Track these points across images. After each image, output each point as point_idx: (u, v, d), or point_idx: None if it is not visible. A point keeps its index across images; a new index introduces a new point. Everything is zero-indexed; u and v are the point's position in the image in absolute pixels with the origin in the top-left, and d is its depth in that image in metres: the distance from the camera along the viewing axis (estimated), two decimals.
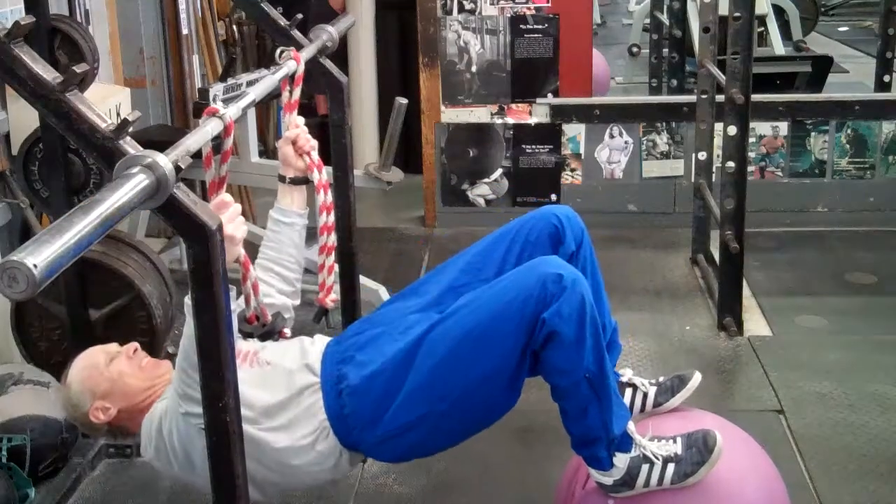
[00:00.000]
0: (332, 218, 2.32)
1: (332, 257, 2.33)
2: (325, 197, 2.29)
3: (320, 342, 2.18)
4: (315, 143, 2.29)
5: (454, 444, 2.12)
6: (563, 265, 1.93)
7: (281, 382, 2.06)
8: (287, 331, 1.98)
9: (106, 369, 2.11)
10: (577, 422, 1.97)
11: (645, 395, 2.17)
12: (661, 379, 2.22)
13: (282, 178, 2.30)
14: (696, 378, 2.19)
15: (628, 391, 2.16)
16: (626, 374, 2.19)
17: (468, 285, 2.12)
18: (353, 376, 2.03)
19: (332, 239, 2.32)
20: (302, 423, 2.03)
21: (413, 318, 2.11)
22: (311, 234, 2.34)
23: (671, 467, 1.96)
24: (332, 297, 2.35)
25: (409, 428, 1.99)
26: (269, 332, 1.96)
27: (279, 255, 2.27)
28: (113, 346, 2.19)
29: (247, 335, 1.97)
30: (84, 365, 2.15)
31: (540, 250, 2.11)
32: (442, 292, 2.16)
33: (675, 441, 1.99)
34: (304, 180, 2.28)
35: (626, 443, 1.97)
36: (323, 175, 2.28)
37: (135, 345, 2.20)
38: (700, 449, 1.96)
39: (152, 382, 2.11)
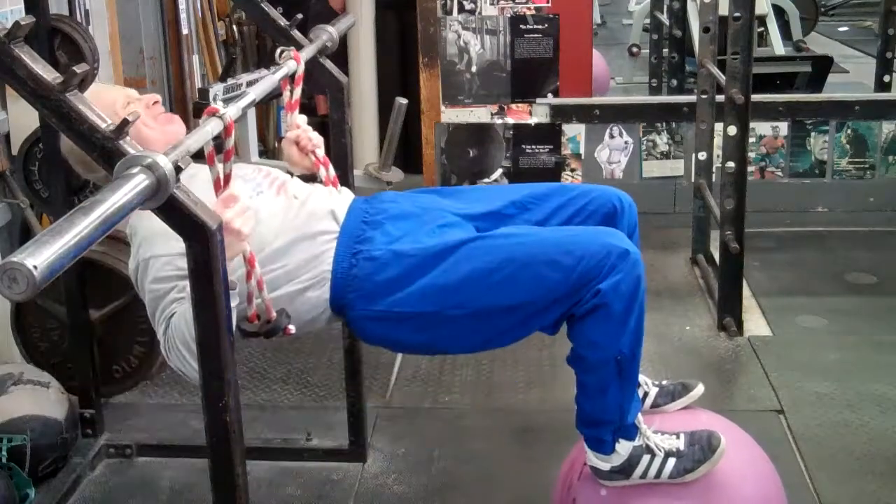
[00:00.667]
0: None
1: None
2: (342, 189, 2.29)
3: (347, 194, 2.16)
4: (320, 140, 2.29)
5: (434, 353, 2.08)
6: (630, 243, 1.92)
7: (301, 220, 2.03)
8: (291, 328, 1.97)
9: (122, 109, 2.04)
10: (593, 399, 1.96)
11: (646, 394, 2.17)
12: (664, 382, 2.22)
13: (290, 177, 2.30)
14: (699, 389, 2.20)
15: None
16: None
17: (513, 218, 2.09)
18: (378, 244, 1.99)
19: None
20: (303, 268, 1.99)
21: (452, 217, 2.07)
22: None
23: (671, 462, 1.96)
24: None
25: (408, 317, 1.95)
26: (273, 329, 1.95)
27: None
28: (133, 91, 2.13)
29: (250, 334, 1.96)
30: (99, 101, 2.05)
31: (592, 222, 2.09)
32: (486, 213, 2.12)
33: (678, 437, 2.00)
34: (311, 178, 2.29)
35: (632, 431, 1.97)
36: (330, 171, 2.28)
37: (156, 96, 2.15)
38: (703, 447, 1.96)
39: (165, 137, 2.03)
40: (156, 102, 2.14)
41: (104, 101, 2.04)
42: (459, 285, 1.91)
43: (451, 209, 2.12)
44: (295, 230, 2.02)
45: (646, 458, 1.97)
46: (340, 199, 2.13)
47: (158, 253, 1.89)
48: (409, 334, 1.99)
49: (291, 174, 2.29)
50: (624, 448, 1.97)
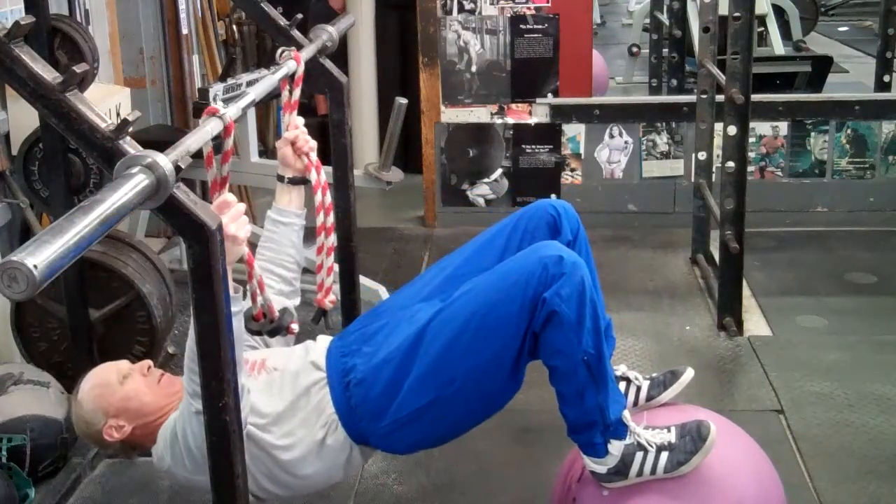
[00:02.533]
0: (330, 219, 2.32)
1: (331, 258, 2.33)
2: (324, 198, 2.29)
3: (323, 341, 2.20)
4: (314, 143, 2.30)
5: (461, 432, 2.13)
6: (563, 248, 1.96)
7: (288, 385, 2.08)
8: (294, 326, 1.99)
9: (119, 388, 2.09)
10: (573, 406, 1.98)
11: (638, 389, 2.18)
12: (654, 374, 2.23)
13: (280, 178, 2.31)
14: (689, 373, 2.20)
15: (622, 384, 2.16)
16: (621, 369, 2.20)
17: (469, 275, 2.13)
18: (360, 367, 2.04)
19: (331, 240, 2.32)
20: (311, 421, 2.05)
21: (417, 307, 2.12)
22: (312, 234, 2.34)
23: (664, 455, 1.97)
24: (331, 299, 2.35)
25: (416, 416, 2.00)
26: (276, 328, 1.96)
27: (277, 256, 2.29)
28: (124, 364, 2.17)
29: (255, 333, 1.97)
30: (95, 383, 2.12)
31: (538, 240, 2.12)
32: (444, 282, 2.18)
33: (668, 430, 2.01)
34: (302, 180, 2.29)
35: (621, 430, 1.98)
36: (322, 176, 2.28)
37: (148, 362, 2.19)
38: (694, 437, 1.97)
39: (168, 400, 2.09)
40: (150, 368, 2.17)
41: (100, 383, 2.11)
42: (440, 364, 1.97)
43: (413, 300, 2.17)
44: (288, 396, 2.06)
45: (639, 455, 1.98)
46: (317, 348, 2.17)
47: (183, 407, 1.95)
48: (431, 429, 2.06)
49: (281, 178, 2.30)
50: (616, 448, 1.98)
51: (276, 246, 2.29)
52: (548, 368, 1.99)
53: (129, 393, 2.09)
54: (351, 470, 2.16)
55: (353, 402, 2.03)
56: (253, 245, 1.98)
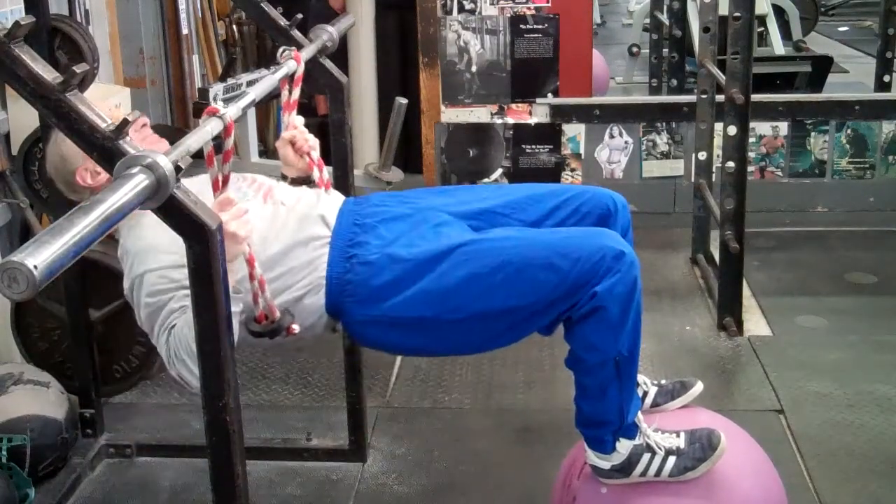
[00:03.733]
0: None
1: None
2: (331, 191, 2.29)
3: (336, 196, 2.14)
4: (316, 142, 2.29)
5: (430, 355, 2.10)
6: (625, 244, 1.92)
7: (290, 227, 2.03)
8: (295, 327, 1.97)
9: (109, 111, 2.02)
10: (593, 401, 1.96)
11: (645, 394, 2.17)
12: (663, 381, 2.23)
13: (283, 179, 2.30)
14: (698, 387, 2.20)
15: None
16: None
17: (508, 217, 2.09)
18: (372, 248, 1.99)
19: None
20: (298, 275, 1.99)
21: (447, 218, 2.06)
22: None
23: (672, 460, 1.96)
24: None
25: (405, 322, 1.95)
26: (277, 329, 1.95)
27: None
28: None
29: (256, 334, 1.96)
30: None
31: (586, 223, 2.10)
32: (482, 212, 2.11)
33: (678, 435, 2.00)
34: (305, 180, 2.28)
35: (632, 430, 1.98)
36: (324, 174, 2.28)
37: (144, 119, 2.13)
38: (703, 446, 1.97)
39: None
40: (144, 126, 2.13)
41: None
42: (456, 289, 1.92)
43: (444, 208, 2.11)
44: (286, 237, 2.01)
45: (646, 456, 1.97)
46: (330, 202, 2.12)
47: (151, 267, 1.89)
48: (407, 338, 2.00)
49: (285, 176, 2.29)
50: (624, 447, 1.97)
51: None
52: (573, 356, 1.96)
53: None
54: (308, 334, 2.06)
55: (349, 277, 1.97)
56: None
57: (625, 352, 1.90)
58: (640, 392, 2.16)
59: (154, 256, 1.88)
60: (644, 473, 1.97)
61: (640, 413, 2.01)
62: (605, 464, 1.99)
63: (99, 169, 2.01)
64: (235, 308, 1.79)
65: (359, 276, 1.97)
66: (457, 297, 1.92)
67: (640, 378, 2.18)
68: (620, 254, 1.87)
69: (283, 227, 2.03)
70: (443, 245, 1.95)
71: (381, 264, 1.96)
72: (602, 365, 1.91)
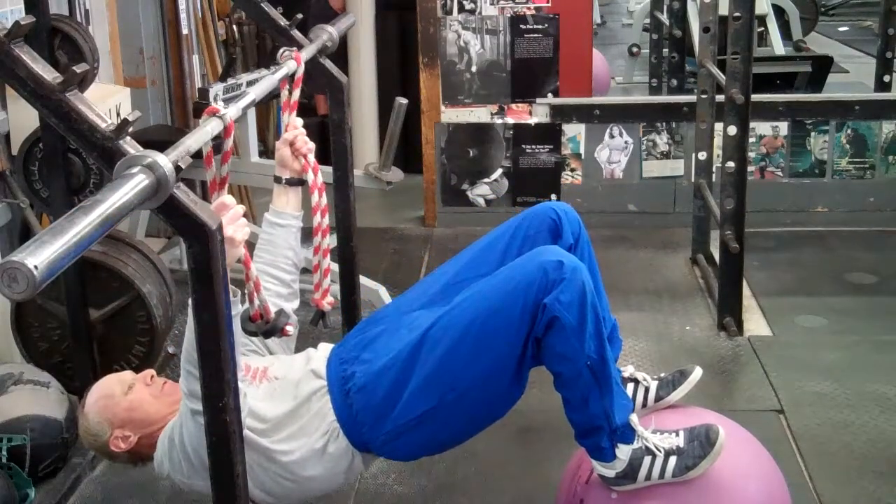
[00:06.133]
0: (326, 220, 2.30)
1: (328, 259, 2.32)
2: (320, 199, 2.27)
3: (324, 349, 2.20)
4: (313, 145, 2.29)
5: (463, 439, 2.13)
6: (563, 253, 1.95)
7: (289, 393, 2.08)
8: (290, 328, 1.98)
9: (123, 399, 2.11)
10: (579, 411, 1.98)
11: (647, 390, 2.17)
12: (662, 374, 2.23)
13: (278, 179, 2.30)
14: (697, 372, 2.20)
15: (630, 386, 2.16)
16: (628, 370, 2.19)
17: (469, 280, 2.13)
18: (360, 374, 2.04)
19: (327, 241, 2.31)
20: (312, 428, 2.05)
21: (416, 314, 2.13)
22: (310, 234, 2.33)
23: (673, 460, 1.96)
24: (329, 300, 2.34)
25: (418, 422, 2.00)
26: (272, 329, 1.96)
27: (275, 259, 2.27)
28: (128, 375, 2.18)
29: (251, 333, 1.97)
30: (100, 395, 2.14)
31: (539, 244, 2.12)
32: (444, 288, 2.18)
33: (677, 434, 2.00)
34: (299, 181, 2.28)
35: (628, 434, 1.98)
36: (318, 177, 2.27)
37: (151, 371, 2.20)
38: (702, 442, 1.97)
39: (172, 408, 2.09)
40: (153, 378, 2.18)
41: (104, 395, 2.12)
42: (441, 370, 1.96)
43: (415, 306, 2.17)
44: (289, 403, 2.07)
45: (647, 459, 1.97)
46: (318, 356, 2.17)
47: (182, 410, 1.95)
48: (433, 435, 2.05)
49: (279, 178, 2.29)
50: (624, 452, 1.98)
51: (273, 248, 2.27)
52: (552, 374, 1.99)
53: (134, 403, 2.10)
54: (352, 476, 2.16)
55: (355, 409, 2.03)
56: (252, 245, 1.98)
57: (594, 354, 1.92)
58: (641, 389, 2.17)
59: None
60: (648, 477, 1.98)
61: (635, 416, 2.01)
62: (610, 472, 2.00)
63: (128, 432, 2.10)
64: (234, 309, 1.80)
65: (361, 404, 2.03)
66: (446, 376, 1.97)
67: (640, 375, 2.19)
68: (559, 263, 1.90)
69: (282, 397, 2.08)
70: (414, 336, 2.01)
71: (373, 383, 2.02)
72: (577, 374, 1.93)
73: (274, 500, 2.07)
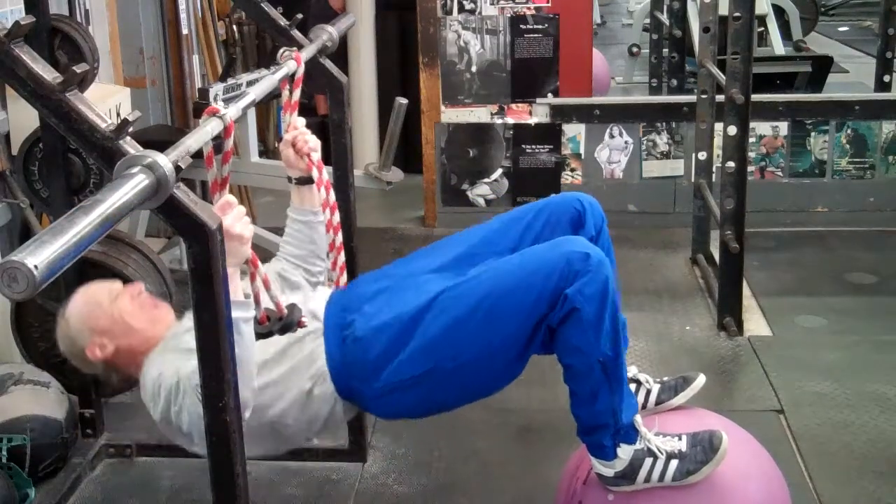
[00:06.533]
0: (337, 217, 2.33)
1: (342, 256, 2.35)
2: (328, 195, 2.31)
3: (323, 292, 2.20)
4: (316, 143, 2.29)
5: (450, 409, 2.11)
6: (591, 246, 1.94)
7: None
8: (305, 320, 1.97)
9: (109, 307, 2.10)
10: (586, 406, 1.97)
11: (648, 392, 2.17)
12: (665, 378, 2.23)
13: (289, 179, 2.32)
14: (701, 380, 2.20)
15: (632, 387, 2.16)
16: (632, 371, 2.19)
17: (484, 255, 2.13)
18: (360, 325, 2.03)
19: (340, 238, 2.33)
20: (301, 370, 2.03)
21: (425, 278, 2.11)
22: None
23: (674, 463, 1.96)
24: None
25: (410, 384, 1.99)
26: (287, 325, 1.94)
27: (300, 252, 2.31)
28: (117, 285, 2.18)
29: (262, 336, 1.95)
30: (85, 300, 2.14)
31: (559, 232, 2.12)
32: (457, 259, 2.16)
33: (680, 438, 2.00)
34: (308, 180, 2.29)
35: (631, 434, 1.98)
36: (324, 174, 2.29)
37: (140, 285, 2.19)
38: (705, 448, 1.96)
39: (154, 325, 2.10)
40: (140, 293, 2.17)
41: (90, 301, 2.12)
42: (445, 337, 1.96)
43: (422, 270, 2.16)
44: (282, 340, 2.04)
45: (648, 461, 1.97)
46: (317, 298, 2.17)
47: (183, 374, 1.86)
48: (421, 399, 2.04)
49: (290, 178, 2.30)
50: (625, 452, 1.97)
51: (297, 242, 2.32)
52: (562, 366, 1.98)
53: (118, 313, 2.09)
54: (331, 424, 2.12)
55: (348, 358, 2.02)
56: (254, 245, 1.97)
57: (608, 352, 1.91)
58: (642, 391, 2.17)
59: (181, 361, 1.87)
60: (648, 479, 1.97)
61: (639, 417, 2.00)
62: (609, 471, 2.00)
63: (107, 342, 2.07)
64: (248, 313, 1.79)
65: (356, 355, 2.03)
66: (449, 344, 1.96)
67: (643, 377, 2.19)
68: (585, 256, 1.89)
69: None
70: (422, 300, 2.00)
71: (371, 337, 2.02)
72: (588, 369, 1.93)
73: (255, 449, 2.00)
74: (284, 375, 2.04)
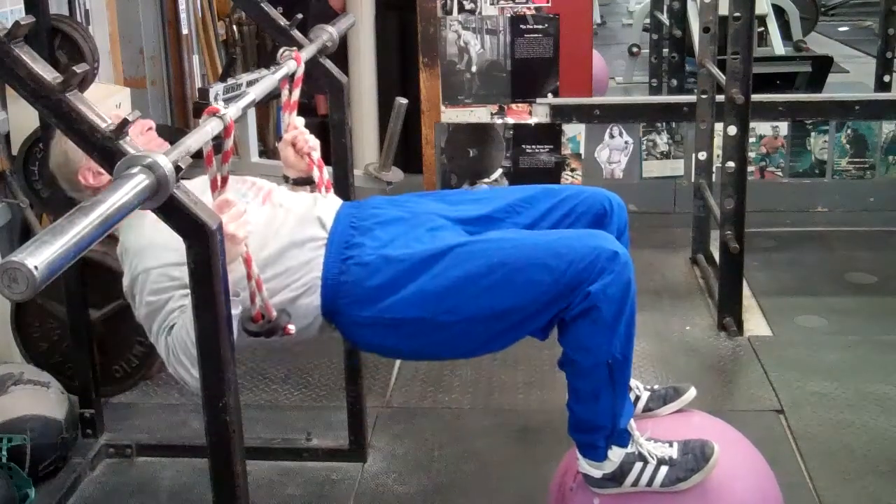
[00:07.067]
0: None
1: None
2: (328, 195, 2.29)
3: (334, 199, 2.16)
4: (316, 143, 2.29)
5: (423, 359, 2.11)
6: (620, 245, 1.92)
7: (288, 227, 2.04)
8: (291, 327, 1.97)
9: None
10: (585, 405, 1.96)
11: (637, 399, 2.16)
12: (656, 386, 2.22)
13: (286, 179, 2.30)
14: (691, 392, 2.18)
15: None
16: None
17: (503, 221, 2.10)
18: (368, 249, 2.00)
19: None
20: (293, 275, 2.00)
21: (442, 222, 2.08)
22: None
23: (664, 470, 1.95)
24: None
25: (398, 323, 1.96)
26: (273, 328, 1.95)
27: None
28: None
29: (252, 334, 1.96)
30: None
31: (581, 224, 2.10)
32: (476, 216, 2.12)
33: (671, 445, 1.99)
34: (307, 181, 2.29)
35: (624, 437, 1.97)
36: (324, 174, 2.28)
37: (150, 123, 2.14)
38: (696, 456, 1.95)
39: None
40: (150, 129, 2.14)
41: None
42: (449, 290, 1.92)
43: (440, 213, 2.12)
44: (283, 238, 2.02)
45: (638, 465, 1.96)
46: (327, 205, 2.13)
47: (151, 265, 1.90)
48: (401, 340, 2.00)
49: (287, 178, 2.29)
50: (616, 455, 1.96)
51: None
52: (565, 359, 1.96)
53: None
54: (302, 336, 2.07)
55: (345, 278, 1.98)
56: None
57: (618, 355, 1.90)
58: (632, 396, 2.15)
59: (154, 254, 1.89)
60: (636, 483, 1.96)
61: (632, 421, 2.00)
62: (596, 472, 1.98)
63: (102, 170, 2.00)
64: (235, 310, 1.79)
65: (354, 278, 1.98)
66: (452, 298, 1.92)
67: (633, 382, 2.16)
68: (614, 254, 1.86)
69: (280, 228, 2.04)
70: (438, 246, 1.96)
71: (376, 265, 1.97)
72: (595, 368, 1.91)
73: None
74: (276, 276, 1.99)
